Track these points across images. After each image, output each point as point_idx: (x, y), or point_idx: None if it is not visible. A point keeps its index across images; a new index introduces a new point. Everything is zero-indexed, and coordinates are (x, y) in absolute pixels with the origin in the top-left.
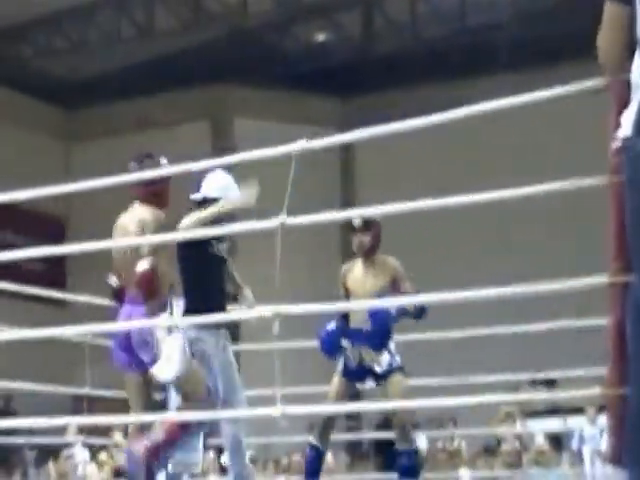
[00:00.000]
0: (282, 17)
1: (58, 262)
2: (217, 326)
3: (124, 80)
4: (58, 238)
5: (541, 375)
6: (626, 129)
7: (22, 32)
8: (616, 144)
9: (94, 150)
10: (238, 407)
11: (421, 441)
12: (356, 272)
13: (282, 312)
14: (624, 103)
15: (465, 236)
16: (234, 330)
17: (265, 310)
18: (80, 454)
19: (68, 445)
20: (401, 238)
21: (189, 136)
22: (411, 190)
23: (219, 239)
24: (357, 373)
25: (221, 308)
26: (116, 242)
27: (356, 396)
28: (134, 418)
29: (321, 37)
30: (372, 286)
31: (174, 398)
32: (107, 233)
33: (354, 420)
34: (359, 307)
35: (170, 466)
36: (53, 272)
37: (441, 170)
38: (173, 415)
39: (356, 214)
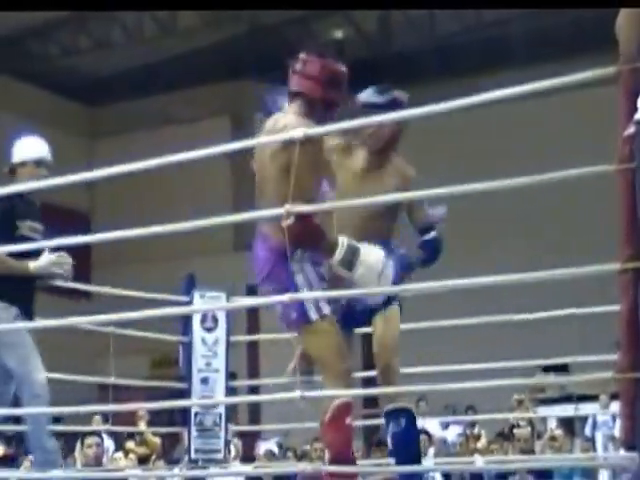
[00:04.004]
0: (300, 14)
1: (83, 256)
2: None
3: (146, 77)
4: (84, 233)
5: (552, 361)
6: None
7: (49, 31)
8: (629, 131)
9: (117, 146)
10: (37, 388)
11: (434, 427)
12: None
13: (297, 298)
14: (635, 92)
15: (479, 224)
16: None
17: (284, 297)
18: (105, 442)
19: (93, 434)
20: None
21: (210, 131)
22: (425, 180)
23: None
24: None
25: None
26: (134, 232)
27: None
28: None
29: (339, 34)
30: None
31: (197, 389)
32: (130, 227)
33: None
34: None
35: (192, 453)
36: (78, 265)
37: (453, 161)
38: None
39: (368, 202)
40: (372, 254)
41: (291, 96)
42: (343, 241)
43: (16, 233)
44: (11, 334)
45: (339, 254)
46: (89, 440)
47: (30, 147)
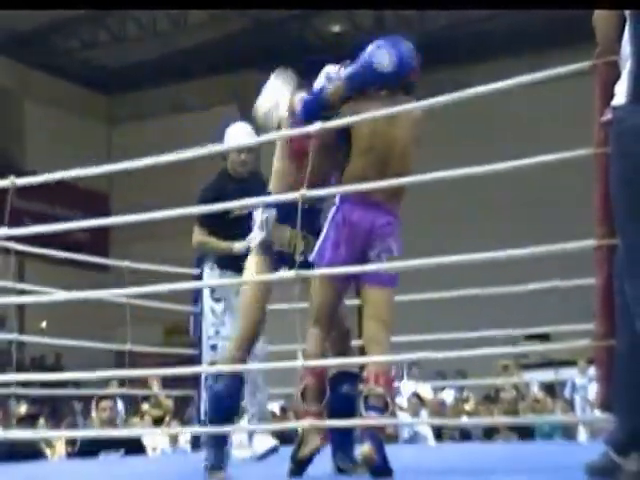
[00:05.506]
0: (301, 10)
1: (103, 233)
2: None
3: (160, 68)
4: (103, 211)
5: (535, 330)
6: (619, 98)
7: (70, 27)
8: (605, 117)
9: (133, 131)
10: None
11: (426, 391)
12: None
13: (302, 275)
14: (609, 82)
15: (469, 207)
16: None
17: (287, 274)
18: (119, 405)
19: (108, 397)
20: (410, 208)
21: (219, 118)
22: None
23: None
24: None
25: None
26: (157, 214)
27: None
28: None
29: (336, 28)
30: None
31: (206, 355)
32: (145, 207)
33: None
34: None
35: (202, 414)
36: (98, 242)
37: (437, 150)
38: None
39: (372, 187)
40: None
41: None
42: None
43: (228, 215)
44: (221, 293)
45: None
46: (103, 403)
47: (232, 135)
